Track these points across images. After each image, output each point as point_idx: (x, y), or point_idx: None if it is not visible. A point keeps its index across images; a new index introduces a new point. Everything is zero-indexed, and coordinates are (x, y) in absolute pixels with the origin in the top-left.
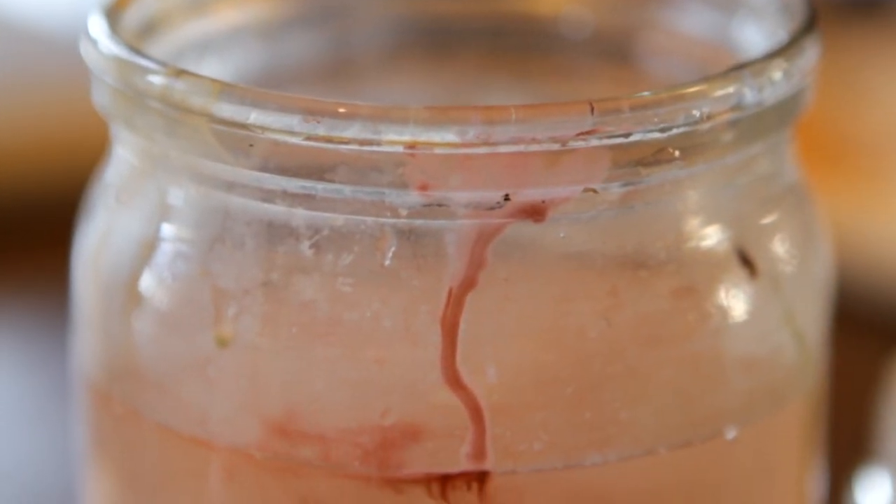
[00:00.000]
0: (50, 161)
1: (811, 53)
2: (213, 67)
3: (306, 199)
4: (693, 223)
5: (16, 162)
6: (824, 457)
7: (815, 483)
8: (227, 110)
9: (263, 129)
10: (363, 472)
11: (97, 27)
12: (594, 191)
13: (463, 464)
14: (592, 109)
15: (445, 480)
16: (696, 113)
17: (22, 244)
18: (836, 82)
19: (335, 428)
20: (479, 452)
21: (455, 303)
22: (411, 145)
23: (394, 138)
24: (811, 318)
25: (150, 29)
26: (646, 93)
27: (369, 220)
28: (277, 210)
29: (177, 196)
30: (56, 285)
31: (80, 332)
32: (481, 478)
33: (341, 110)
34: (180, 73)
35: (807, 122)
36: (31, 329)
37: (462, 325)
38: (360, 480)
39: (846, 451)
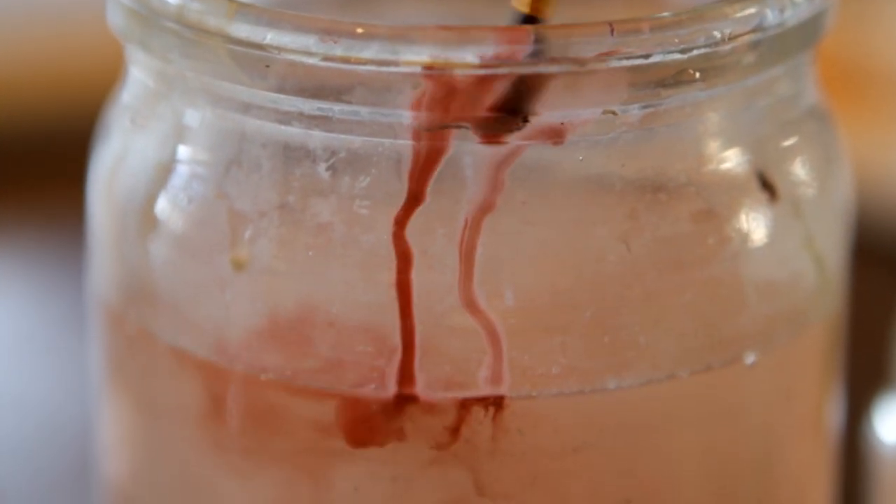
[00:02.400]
0: (64, 86)
1: None
2: None
3: (323, 121)
4: (713, 146)
5: (29, 88)
6: (843, 383)
7: (833, 409)
8: (243, 30)
9: (280, 49)
10: (380, 395)
11: None
12: (614, 113)
13: (480, 388)
14: (612, 30)
15: (462, 404)
16: (717, 34)
17: (36, 170)
18: (855, 11)
19: (351, 351)
20: (496, 376)
21: (473, 226)
22: (429, 66)
23: (411, 59)
24: (831, 242)
25: None
26: (666, 14)
27: (386, 142)
28: (294, 132)
29: (193, 118)
30: (71, 211)
31: (95, 255)
32: (498, 402)
33: (359, 30)
34: None
35: (824, 52)
36: (47, 255)
37: (480, 249)
38: (377, 404)
39: (865, 379)
